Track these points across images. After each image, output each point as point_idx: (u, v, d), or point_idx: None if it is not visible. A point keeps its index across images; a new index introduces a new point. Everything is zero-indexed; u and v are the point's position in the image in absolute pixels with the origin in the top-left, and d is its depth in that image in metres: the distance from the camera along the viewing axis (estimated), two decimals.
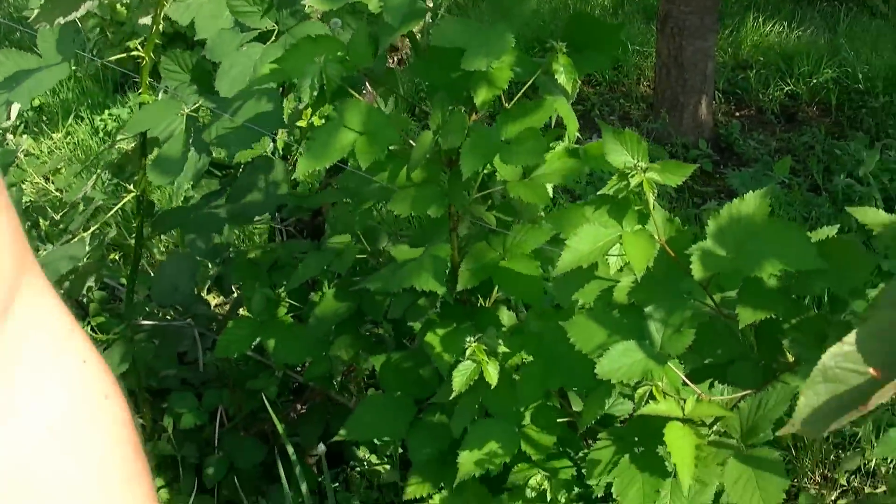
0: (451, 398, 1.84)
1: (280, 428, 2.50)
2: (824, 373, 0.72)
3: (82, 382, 0.87)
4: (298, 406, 2.99)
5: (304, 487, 2.48)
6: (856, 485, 3.24)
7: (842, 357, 0.72)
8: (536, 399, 1.89)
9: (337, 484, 2.95)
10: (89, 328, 2.72)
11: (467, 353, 1.79)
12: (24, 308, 0.83)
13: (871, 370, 0.70)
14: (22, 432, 0.82)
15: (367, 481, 2.93)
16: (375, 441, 2.92)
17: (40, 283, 0.86)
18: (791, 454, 3.28)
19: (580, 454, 2.02)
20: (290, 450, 2.49)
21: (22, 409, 0.82)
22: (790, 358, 1.78)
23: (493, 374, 1.79)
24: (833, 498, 3.19)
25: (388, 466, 2.91)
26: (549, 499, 1.91)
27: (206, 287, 3.41)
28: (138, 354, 2.80)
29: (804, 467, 3.25)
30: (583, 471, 1.89)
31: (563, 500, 1.94)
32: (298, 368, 2.92)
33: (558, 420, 1.95)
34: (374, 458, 2.94)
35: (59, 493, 0.83)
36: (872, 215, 1.67)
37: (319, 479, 2.84)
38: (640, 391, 1.62)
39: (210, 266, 2.98)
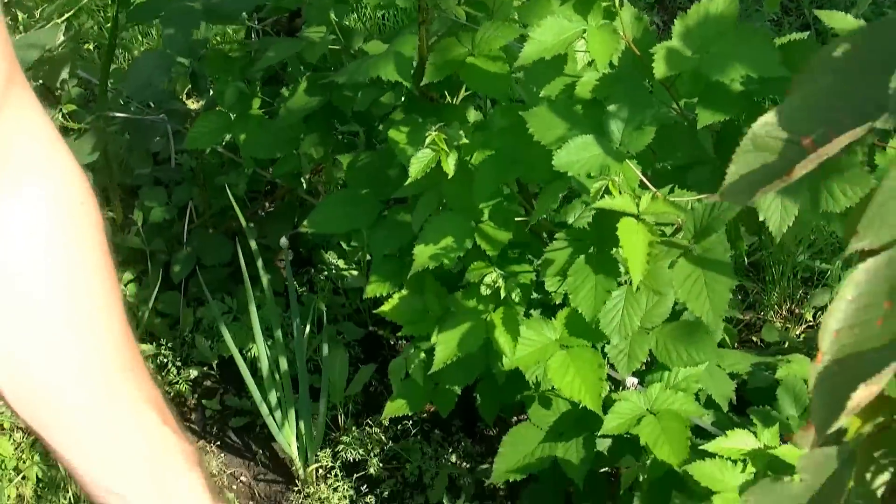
0: (407, 184, 1.83)
1: (244, 224, 2.50)
2: (754, 141, 0.71)
3: (64, 188, 0.93)
4: (267, 204, 2.99)
5: (265, 283, 2.49)
6: (821, 321, 3.26)
7: (773, 126, 0.71)
8: (493, 191, 1.88)
9: (304, 288, 2.97)
10: (60, 116, 2.70)
11: (427, 141, 1.77)
12: (10, 116, 0.88)
13: (802, 140, 0.69)
14: (6, 234, 0.88)
15: (334, 285, 2.94)
16: (343, 246, 2.92)
17: (27, 95, 0.90)
18: (758, 287, 3.30)
19: (540, 260, 2.02)
20: (254, 245, 2.49)
21: (6, 212, 0.88)
22: None
23: (450, 164, 1.78)
24: (797, 332, 3.21)
25: (355, 272, 2.92)
26: (502, 296, 1.92)
27: (185, 91, 3.37)
28: (110, 145, 2.79)
29: (770, 301, 3.27)
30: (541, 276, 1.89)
31: (517, 300, 1.95)
32: (270, 170, 2.91)
33: (517, 219, 1.95)
34: (341, 263, 2.94)
35: (35, 291, 0.89)
36: (840, 19, 1.65)
37: (286, 281, 2.85)
38: (596, 185, 1.61)
39: (187, 65, 2.94)
